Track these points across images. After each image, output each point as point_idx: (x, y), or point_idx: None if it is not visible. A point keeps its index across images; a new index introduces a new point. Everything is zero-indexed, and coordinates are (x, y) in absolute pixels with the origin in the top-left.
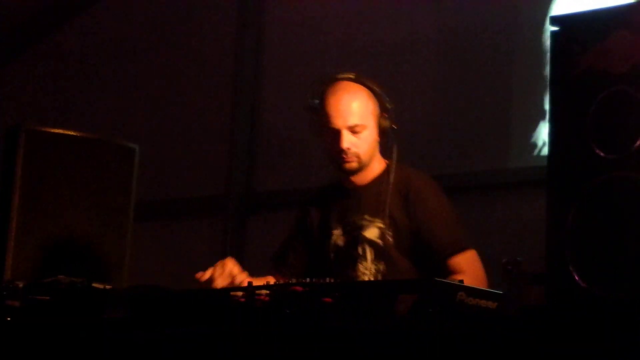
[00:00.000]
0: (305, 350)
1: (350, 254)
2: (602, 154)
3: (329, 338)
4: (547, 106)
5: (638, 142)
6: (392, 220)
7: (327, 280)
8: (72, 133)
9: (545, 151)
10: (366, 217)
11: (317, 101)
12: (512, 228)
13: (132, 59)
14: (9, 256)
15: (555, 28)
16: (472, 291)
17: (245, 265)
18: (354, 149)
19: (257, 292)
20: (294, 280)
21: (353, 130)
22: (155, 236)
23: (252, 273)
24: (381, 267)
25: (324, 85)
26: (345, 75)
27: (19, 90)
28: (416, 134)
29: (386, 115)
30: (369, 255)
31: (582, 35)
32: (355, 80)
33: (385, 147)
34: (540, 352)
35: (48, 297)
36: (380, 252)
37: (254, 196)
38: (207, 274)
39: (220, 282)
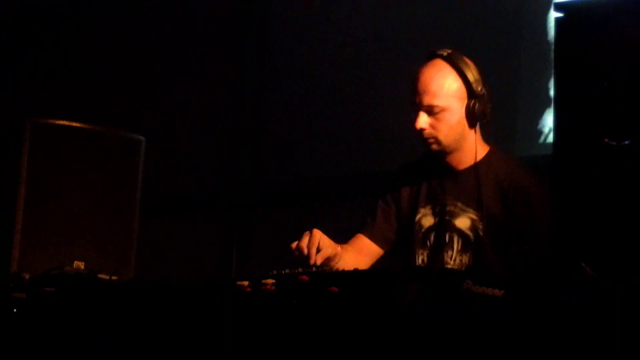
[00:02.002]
0: (312, 340)
1: (436, 238)
2: (607, 141)
3: (335, 327)
4: (552, 92)
5: None
6: (487, 213)
7: (334, 269)
8: (78, 125)
9: (551, 138)
10: (459, 204)
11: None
12: None
13: (138, 53)
14: (16, 248)
15: (559, 15)
16: (478, 279)
17: (251, 259)
18: (429, 130)
19: (264, 281)
20: (300, 270)
21: (430, 111)
22: (161, 230)
23: (259, 265)
24: (465, 259)
25: (424, 58)
26: (440, 52)
27: (25, 83)
28: None
29: (474, 102)
30: (456, 245)
31: (586, 22)
32: (446, 58)
33: (485, 132)
34: (547, 341)
35: (54, 289)
36: (468, 244)
37: (260, 190)
38: (295, 244)
39: (310, 251)
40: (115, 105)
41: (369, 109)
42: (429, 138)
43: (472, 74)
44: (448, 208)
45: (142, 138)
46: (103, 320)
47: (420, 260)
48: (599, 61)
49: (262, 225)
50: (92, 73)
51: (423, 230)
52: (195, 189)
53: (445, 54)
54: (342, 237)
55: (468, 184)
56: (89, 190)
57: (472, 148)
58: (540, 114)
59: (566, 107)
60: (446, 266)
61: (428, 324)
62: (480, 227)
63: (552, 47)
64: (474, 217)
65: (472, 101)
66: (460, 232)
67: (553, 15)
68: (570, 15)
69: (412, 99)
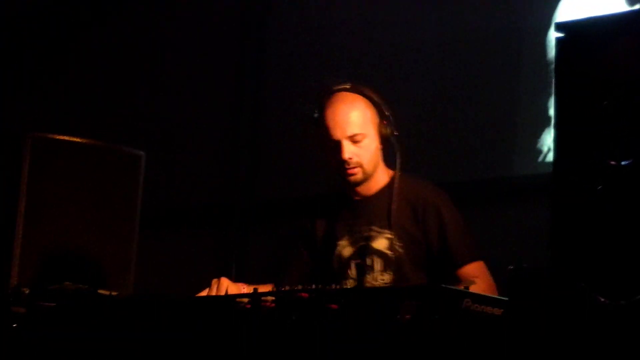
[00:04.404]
0: (311, 357)
1: (358, 265)
2: (606, 161)
3: (335, 344)
4: (552, 112)
5: None
6: (402, 231)
7: (333, 286)
8: (78, 140)
9: (550, 157)
10: (374, 228)
11: (316, 115)
12: (517, 235)
13: (137, 68)
14: (15, 262)
15: (560, 34)
16: (477, 298)
17: (249, 273)
18: (355, 159)
19: (263, 298)
20: (299, 287)
21: (353, 139)
22: (160, 245)
23: (257, 280)
24: (387, 278)
25: (321, 97)
26: (342, 86)
27: (24, 97)
28: (419, 141)
29: (385, 123)
30: (377, 266)
31: (587, 42)
32: (352, 90)
33: (388, 156)
34: (545, 358)
35: (54, 304)
36: (389, 263)
37: (258, 205)
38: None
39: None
40: (114, 120)
41: None
42: (354, 167)
43: (377, 100)
44: (365, 234)
45: (142, 153)
46: (103, 335)
47: None
48: (599, 80)
49: (260, 239)
50: (91, 88)
51: (342, 260)
52: (194, 204)
53: (349, 86)
54: None
55: (379, 207)
56: (88, 205)
57: (379, 174)
58: (539, 133)
59: (566, 126)
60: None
61: (427, 342)
62: (397, 244)
63: (551, 66)
64: (390, 236)
65: (384, 122)
66: (380, 253)
67: (554, 35)
68: (571, 35)
69: (330, 134)
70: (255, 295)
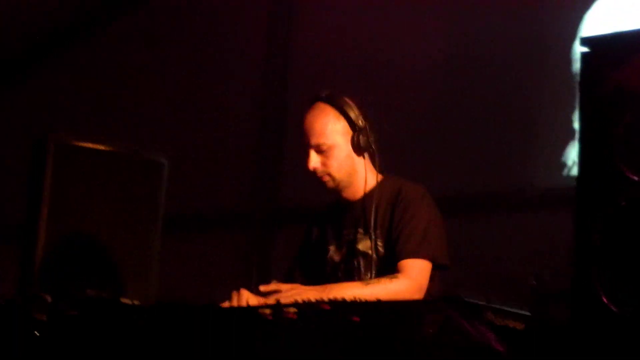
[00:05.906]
0: None
1: (345, 267)
2: (629, 175)
3: (356, 357)
4: (577, 125)
5: None
6: (383, 232)
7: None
8: (101, 147)
9: (574, 171)
10: (360, 230)
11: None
12: (539, 247)
13: (160, 74)
14: (37, 269)
15: (585, 49)
16: (499, 311)
17: (270, 279)
18: (322, 168)
19: (285, 309)
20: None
21: (318, 149)
22: (182, 249)
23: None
24: (368, 278)
25: (308, 103)
26: (319, 95)
27: (47, 102)
28: (444, 152)
29: (357, 134)
30: (362, 267)
31: (612, 56)
32: (325, 100)
33: (375, 162)
34: None
35: (76, 312)
36: (369, 263)
37: (280, 210)
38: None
39: None
40: (138, 125)
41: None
42: (323, 176)
43: (351, 110)
44: (351, 237)
45: (165, 161)
46: (124, 344)
47: None
48: (623, 95)
49: (282, 245)
50: (114, 93)
51: (333, 264)
52: (217, 210)
53: (324, 96)
54: None
55: (364, 210)
56: (110, 211)
57: (361, 180)
58: (562, 146)
59: (590, 140)
60: None
61: (450, 354)
62: (379, 245)
63: (576, 78)
64: (372, 237)
65: (356, 134)
66: (363, 254)
67: (579, 49)
68: (595, 49)
69: (301, 141)
70: (277, 307)
